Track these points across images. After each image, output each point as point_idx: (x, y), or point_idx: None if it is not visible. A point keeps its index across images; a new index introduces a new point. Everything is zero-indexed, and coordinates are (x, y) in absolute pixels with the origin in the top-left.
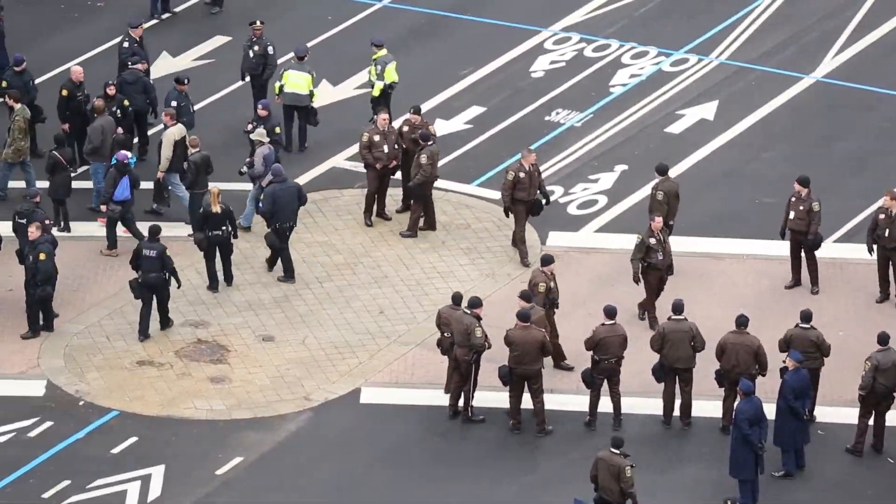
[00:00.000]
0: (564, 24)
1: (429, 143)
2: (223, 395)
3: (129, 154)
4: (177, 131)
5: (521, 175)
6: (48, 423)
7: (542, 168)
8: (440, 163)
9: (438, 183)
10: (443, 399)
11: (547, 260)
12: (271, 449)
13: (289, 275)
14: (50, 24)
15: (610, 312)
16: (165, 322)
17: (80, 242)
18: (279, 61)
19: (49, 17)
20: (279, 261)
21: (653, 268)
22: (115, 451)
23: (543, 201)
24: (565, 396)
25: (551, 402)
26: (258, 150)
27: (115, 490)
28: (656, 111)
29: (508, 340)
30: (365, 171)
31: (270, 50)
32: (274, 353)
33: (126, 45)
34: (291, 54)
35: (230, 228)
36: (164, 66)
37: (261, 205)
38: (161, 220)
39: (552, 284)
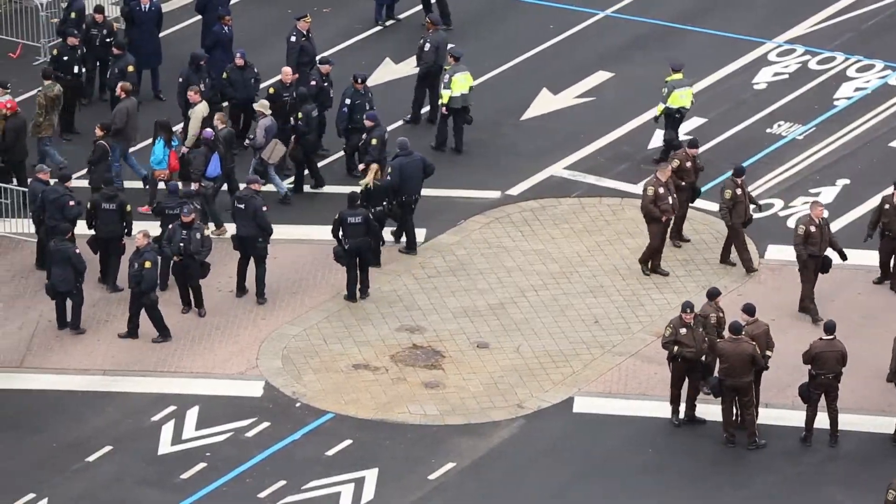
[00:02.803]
0: (789, 36)
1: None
2: (437, 401)
3: (213, 132)
4: (204, 108)
5: (812, 229)
6: (265, 424)
7: (762, 181)
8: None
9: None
10: (654, 410)
11: None
12: (483, 455)
13: (411, 247)
14: (277, 30)
15: (829, 327)
16: (365, 289)
17: (302, 245)
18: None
19: (276, 22)
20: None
21: None
22: (330, 453)
23: (837, 256)
24: (781, 411)
25: (766, 416)
26: (260, 121)
27: (330, 492)
28: (881, 125)
29: (718, 352)
30: (648, 224)
31: (427, 47)
32: (488, 359)
33: (293, 39)
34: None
35: (390, 205)
36: (386, 72)
37: (388, 177)
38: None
39: None
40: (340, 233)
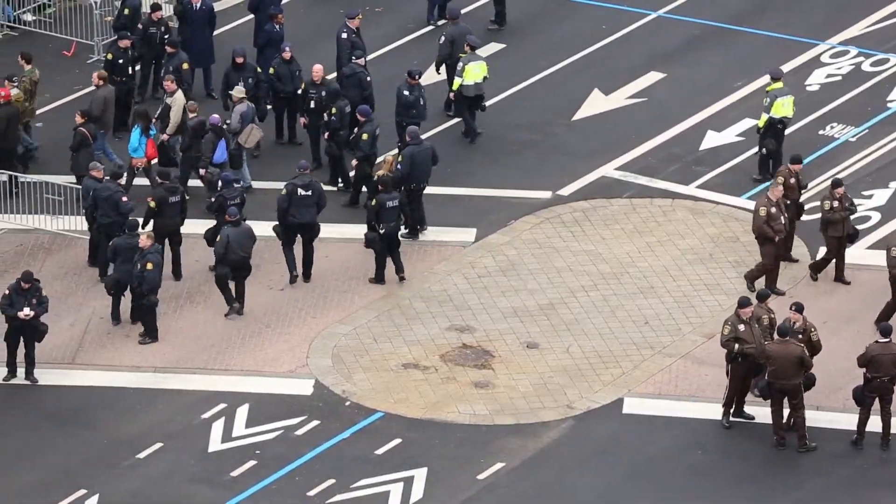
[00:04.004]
0: (842, 37)
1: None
2: (486, 401)
3: (217, 117)
4: (182, 97)
5: None
6: (315, 422)
7: (814, 182)
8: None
9: (708, 195)
10: (704, 412)
11: None
12: (533, 456)
13: (415, 231)
14: (327, 29)
15: (885, 330)
16: (402, 269)
17: (353, 244)
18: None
19: (328, 21)
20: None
21: None
22: (379, 452)
23: None
24: (833, 414)
25: (818, 419)
26: (237, 107)
27: (378, 491)
28: None
29: (766, 354)
30: (761, 245)
31: (442, 40)
32: (538, 360)
33: (344, 35)
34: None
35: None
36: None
37: (399, 167)
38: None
39: None
40: (378, 218)
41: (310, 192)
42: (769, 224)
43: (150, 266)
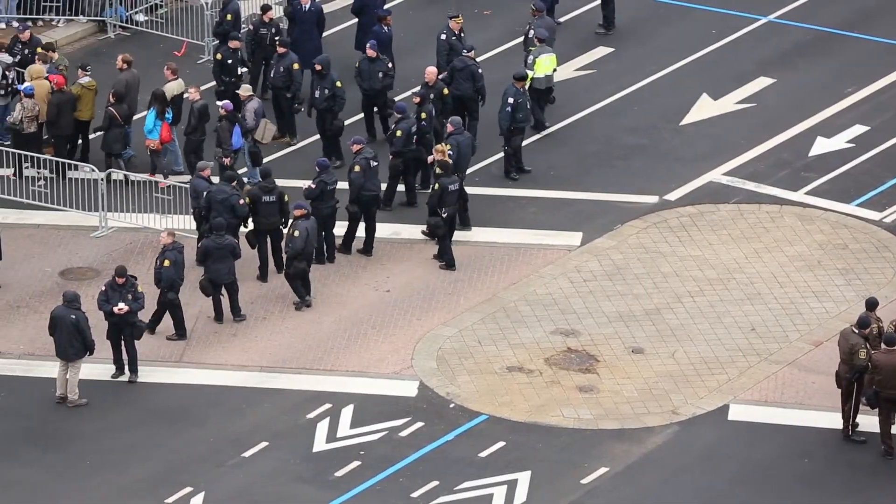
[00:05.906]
0: None
1: None
2: (591, 405)
3: (231, 104)
4: (176, 86)
5: None
6: (419, 424)
7: None
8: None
9: (817, 201)
10: (811, 420)
11: None
12: (637, 461)
13: (466, 222)
14: (435, 32)
15: None
16: (451, 262)
17: (458, 246)
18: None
19: (434, 24)
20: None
21: None
22: (483, 454)
23: None
24: None
25: None
26: (248, 104)
27: (482, 493)
28: None
29: (873, 363)
30: None
31: (531, 34)
32: (643, 364)
33: (443, 37)
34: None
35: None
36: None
37: (450, 152)
38: None
39: None
40: (440, 202)
41: (377, 163)
42: None
43: (166, 263)
